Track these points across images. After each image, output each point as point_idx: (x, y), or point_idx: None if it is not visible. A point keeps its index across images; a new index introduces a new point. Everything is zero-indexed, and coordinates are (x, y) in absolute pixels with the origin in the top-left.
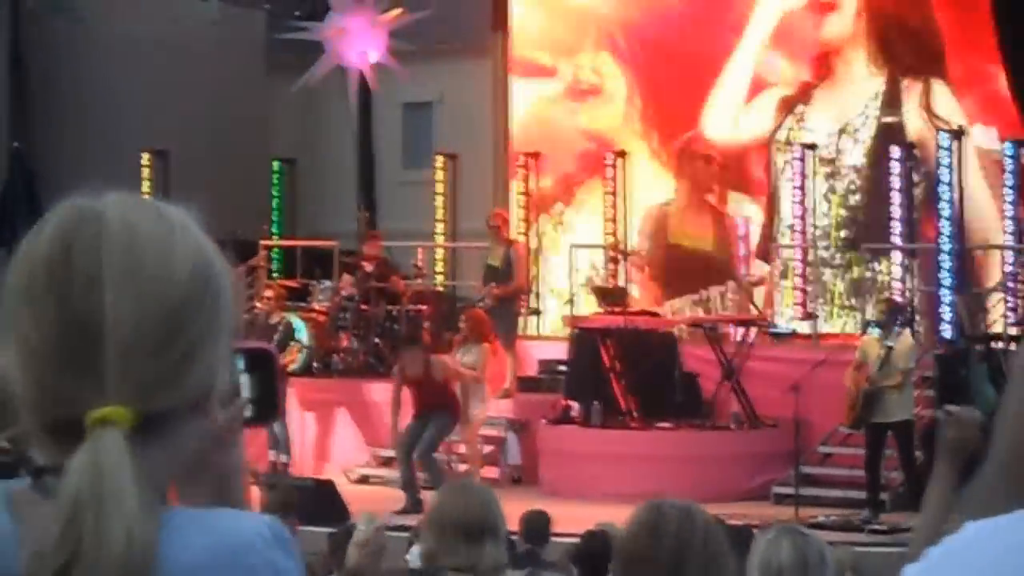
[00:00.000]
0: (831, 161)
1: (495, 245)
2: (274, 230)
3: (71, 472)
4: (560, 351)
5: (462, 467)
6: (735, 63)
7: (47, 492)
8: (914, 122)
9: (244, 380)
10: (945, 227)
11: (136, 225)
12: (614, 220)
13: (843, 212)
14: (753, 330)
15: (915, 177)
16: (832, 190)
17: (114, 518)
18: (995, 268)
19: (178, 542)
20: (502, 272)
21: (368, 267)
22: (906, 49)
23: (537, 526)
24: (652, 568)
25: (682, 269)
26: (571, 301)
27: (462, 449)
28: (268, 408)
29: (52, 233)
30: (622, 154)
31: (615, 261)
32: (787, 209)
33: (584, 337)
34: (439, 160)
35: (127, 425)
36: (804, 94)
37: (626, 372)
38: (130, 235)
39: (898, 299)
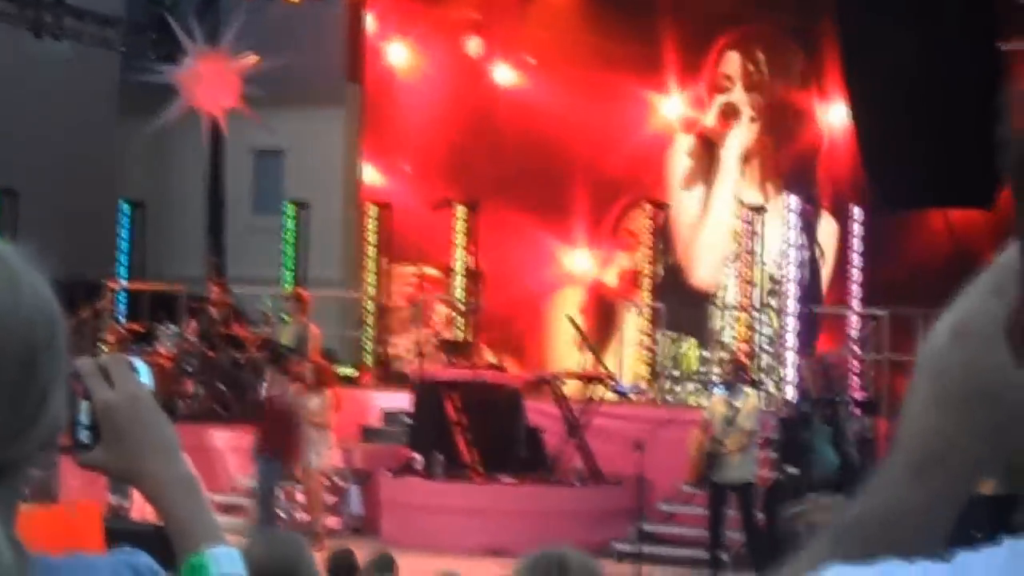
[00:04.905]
0: None
1: (291, 320)
2: (121, 272)
3: None
4: (405, 401)
5: (303, 516)
6: None
7: None
8: None
9: (83, 406)
10: (791, 290)
11: None
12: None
13: None
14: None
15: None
16: None
17: None
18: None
19: None
20: (294, 351)
21: (214, 313)
22: None
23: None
24: None
25: None
26: (420, 353)
27: (303, 498)
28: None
29: None
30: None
31: (463, 315)
32: None
33: (429, 389)
34: (289, 207)
35: None
36: None
37: (470, 425)
38: None
39: (743, 359)
